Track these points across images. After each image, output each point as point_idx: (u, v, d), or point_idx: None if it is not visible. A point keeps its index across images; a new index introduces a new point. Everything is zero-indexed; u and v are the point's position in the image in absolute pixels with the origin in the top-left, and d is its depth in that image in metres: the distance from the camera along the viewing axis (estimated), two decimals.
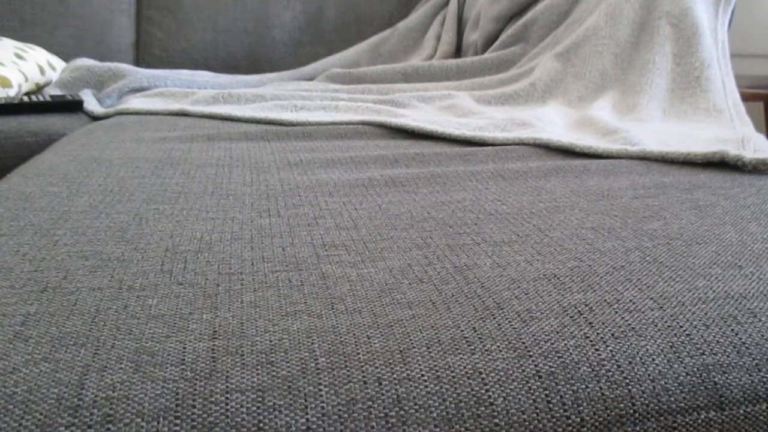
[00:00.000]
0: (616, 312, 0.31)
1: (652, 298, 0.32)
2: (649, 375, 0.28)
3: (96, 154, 0.63)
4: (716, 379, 0.28)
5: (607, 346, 0.29)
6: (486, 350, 0.28)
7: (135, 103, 1.01)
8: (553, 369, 0.27)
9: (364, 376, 0.26)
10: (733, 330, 0.30)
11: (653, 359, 0.28)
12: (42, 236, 0.40)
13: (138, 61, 1.61)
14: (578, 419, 0.26)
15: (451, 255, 0.38)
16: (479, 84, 1.08)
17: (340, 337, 0.28)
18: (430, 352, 0.28)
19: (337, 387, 0.25)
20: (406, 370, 0.27)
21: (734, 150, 0.61)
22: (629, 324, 0.30)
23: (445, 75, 1.18)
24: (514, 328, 0.29)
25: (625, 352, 0.28)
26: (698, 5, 0.94)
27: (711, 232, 0.42)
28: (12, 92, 1.00)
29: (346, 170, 0.59)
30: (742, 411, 0.28)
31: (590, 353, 0.28)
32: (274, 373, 0.26)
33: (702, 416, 0.27)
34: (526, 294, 0.33)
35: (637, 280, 0.34)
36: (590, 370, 0.27)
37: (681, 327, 0.30)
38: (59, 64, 1.31)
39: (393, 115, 0.85)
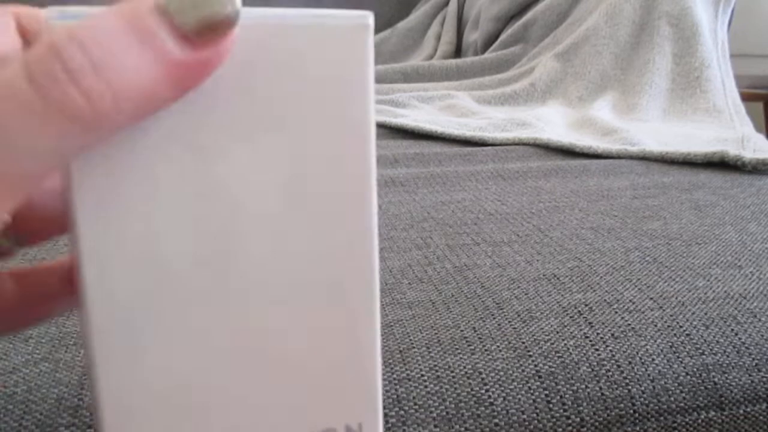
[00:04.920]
0: (616, 312, 0.31)
1: (651, 298, 0.32)
2: (648, 375, 0.28)
3: None
4: (716, 379, 0.28)
5: (607, 346, 0.29)
6: (486, 350, 0.28)
7: None
8: (552, 369, 0.27)
9: None
10: (732, 330, 0.30)
11: (653, 359, 0.28)
12: None
13: None
14: (578, 419, 0.26)
15: (451, 255, 0.38)
16: (479, 84, 1.08)
17: None
18: (430, 352, 0.28)
19: None
20: (406, 370, 0.27)
21: (734, 150, 0.61)
22: (629, 324, 0.30)
23: (445, 75, 1.18)
24: (514, 328, 0.29)
25: (624, 352, 0.28)
26: (698, 5, 0.94)
27: (711, 232, 0.42)
28: None
29: None
30: (741, 411, 0.28)
31: (590, 353, 0.28)
32: None
33: (702, 416, 0.27)
34: (526, 294, 0.33)
35: (637, 280, 0.34)
36: (590, 370, 0.27)
37: (681, 327, 0.30)
38: None
39: (393, 115, 0.85)
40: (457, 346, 0.28)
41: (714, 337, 0.30)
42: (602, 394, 0.27)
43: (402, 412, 0.25)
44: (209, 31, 0.10)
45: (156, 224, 0.13)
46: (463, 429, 0.25)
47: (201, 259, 0.14)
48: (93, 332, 0.13)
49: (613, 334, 0.29)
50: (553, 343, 0.28)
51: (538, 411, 0.26)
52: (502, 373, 0.27)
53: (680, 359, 0.28)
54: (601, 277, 0.35)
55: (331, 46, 0.13)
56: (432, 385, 0.26)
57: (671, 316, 0.31)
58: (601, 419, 0.26)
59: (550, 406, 0.26)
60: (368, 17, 0.13)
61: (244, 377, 0.15)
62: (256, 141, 0.13)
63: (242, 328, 0.14)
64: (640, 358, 0.28)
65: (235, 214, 0.14)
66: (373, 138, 0.14)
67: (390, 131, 0.79)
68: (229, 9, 0.10)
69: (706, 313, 0.31)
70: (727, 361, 0.29)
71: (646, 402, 0.27)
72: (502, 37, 1.19)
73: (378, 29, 1.46)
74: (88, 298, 0.13)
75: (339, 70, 0.13)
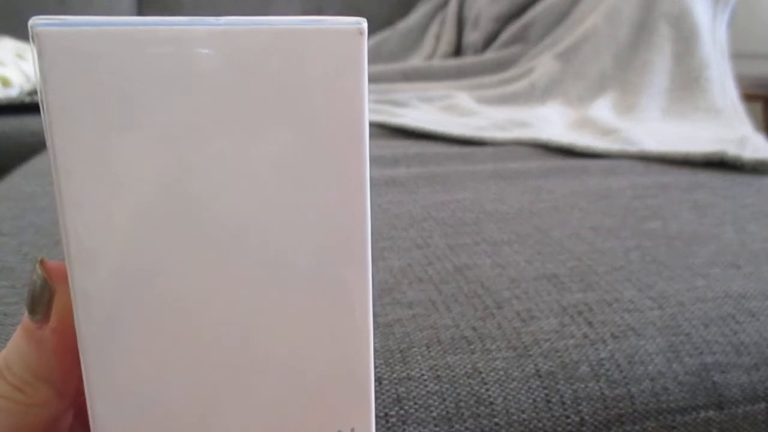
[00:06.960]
0: (616, 312, 0.31)
1: (651, 298, 0.33)
2: (648, 374, 0.28)
3: None
4: (715, 379, 0.28)
5: (607, 345, 0.29)
6: (486, 350, 0.28)
7: None
8: (552, 368, 0.27)
9: None
10: (732, 329, 0.30)
11: (652, 359, 0.28)
12: (43, 236, 0.40)
13: None
14: (578, 419, 0.26)
15: (451, 255, 0.38)
16: (479, 84, 1.08)
17: None
18: (430, 352, 0.28)
19: None
20: (406, 369, 0.27)
21: (733, 150, 0.61)
22: (629, 323, 0.30)
23: (445, 75, 1.18)
24: (514, 327, 0.30)
25: (624, 351, 0.28)
26: (697, 6, 0.94)
27: (710, 232, 0.42)
28: (13, 92, 1.00)
29: None
30: (741, 410, 0.28)
31: (590, 353, 0.28)
32: None
33: (701, 415, 0.27)
34: (526, 294, 0.33)
35: (637, 279, 0.35)
36: (590, 369, 0.27)
37: (680, 326, 0.30)
38: None
39: (393, 115, 0.85)
40: (457, 346, 0.28)
41: (713, 336, 0.30)
42: (602, 393, 0.27)
43: (402, 412, 0.25)
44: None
45: (143, 227, 0.13)
46: (463, 428, 0.25)
47: (190, 262, 0.14)
48: (83, 332, 0.14)
49: (613, 334, 0.29)
50: (553, 343, 0.29)
51: (538, 410, 0.26)
52: (502, 373, 0.27)
53: (680, 359, 0.29)
54: (601, 276, 0.35)
55: (327, 50, 0.13)
56: (432, 385, 0.26)
57: (671, 315, 0.31)
58: (601, 419, 0.26)
59: (550, 405, 0.26)
60: (362, 22, 0.14)
61: (233, 383, 0.15)
62: (251, 141, 0.14)
63: (231, 333, 0.14)
64: (640, 358, 0.28)
65: (228, 213, 0.14)
66: (367, 141, 0.14)
67: (390, 131, 0.79)
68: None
69: (705, 313, 0.31)
70: (727, 361, 0.29)
71: (646, 401, 0.27)
72: (502, 37, 1.19)
73: (378, 29, 1.46)
74: (78, 302, 0.13)
75: (334, 72, 0.14)
